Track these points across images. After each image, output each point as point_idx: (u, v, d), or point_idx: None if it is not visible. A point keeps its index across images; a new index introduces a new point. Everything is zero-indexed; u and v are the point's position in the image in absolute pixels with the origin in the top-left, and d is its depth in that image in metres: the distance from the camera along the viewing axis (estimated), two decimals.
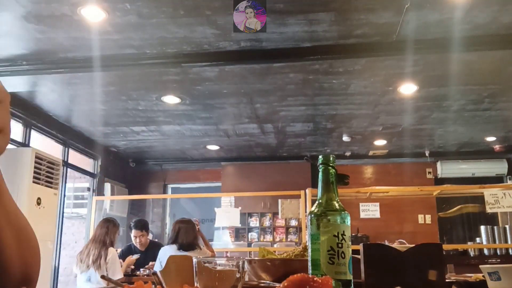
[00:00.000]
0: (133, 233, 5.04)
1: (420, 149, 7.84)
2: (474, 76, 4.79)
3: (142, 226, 5.09)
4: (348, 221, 0.83)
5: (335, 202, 0.84)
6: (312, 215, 0.83)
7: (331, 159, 0.86)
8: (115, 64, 4.34)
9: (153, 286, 0.95)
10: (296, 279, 0.30)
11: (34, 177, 4.88)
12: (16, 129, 5.68)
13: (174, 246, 4.16)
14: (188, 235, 4.20)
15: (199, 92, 5.28)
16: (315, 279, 0.29)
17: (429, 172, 8.47)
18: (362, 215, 5.85)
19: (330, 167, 0.86)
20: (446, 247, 6.57)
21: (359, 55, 4.26)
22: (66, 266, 7.09)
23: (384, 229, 7.80)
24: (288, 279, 0.29)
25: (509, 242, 6.74)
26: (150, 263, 4.77)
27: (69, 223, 7.58)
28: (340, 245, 0.80)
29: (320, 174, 0.86)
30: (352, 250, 0.83)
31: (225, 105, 5.78)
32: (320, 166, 0.86)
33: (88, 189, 7.59)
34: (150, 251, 4.92)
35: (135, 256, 4.92)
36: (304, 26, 3.80)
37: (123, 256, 4.94)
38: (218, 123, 6.56)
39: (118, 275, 4.21)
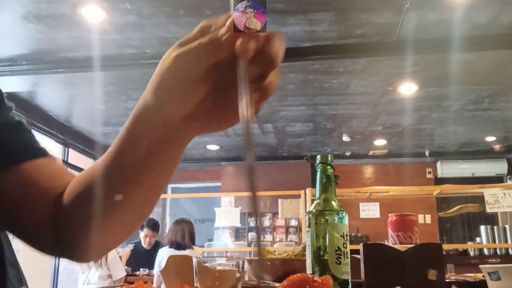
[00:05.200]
0: (144, 231, 5.03)
1: (420, 149, 7.84)
2: (474, 76, 4.79)
3: (154, 225, 5.10)
4: (346, 220, 0.83)
5: (333, 202, 0.84)
6: (310, 215, 0.83)
7: (329, 159, 0.86)
8: (115, 64, 4.34)
9: (153, 286, 0.96)
10: (296, 279, 0.29)
11: None
12: None
13: (167, 246, 4.23)
14: (177, 234, 4.22)
15: None
16: (315, 278, 0.29)
17: (429, 172, 8.47)
18: (362, 215, 5.84)
19: (328, 167, 0.86)
20: (446, 247, 6.57)
21: (359, 55, 4.26)
22: (66, 266, 7.09)
23: (384, 229, 7.77)
24: (287, 278, 0.29)
25: (509, 242, 6.74)
26: None
27: None
28: (345, 245, 0.80)
29: (318, 174, 0.86)
30: (352, 250, 0.83)
31: None
32: (318, 166, 0.86)
33: None
34: (157, 251, 4.92)
35: (129, 248, 4.93)
36: (304, 26, 3.80)
37: (134, 256, 4.98)
38: None
39: (120, 273, 4.23)
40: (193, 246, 4.32)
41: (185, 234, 4.25)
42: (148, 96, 0.54)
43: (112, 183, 0.56)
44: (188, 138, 0.56)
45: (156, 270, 4.18)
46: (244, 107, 0.45)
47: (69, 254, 0.65)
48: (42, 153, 0.67)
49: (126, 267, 4.85)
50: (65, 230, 0.61)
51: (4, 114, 0.69)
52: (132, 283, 0.57)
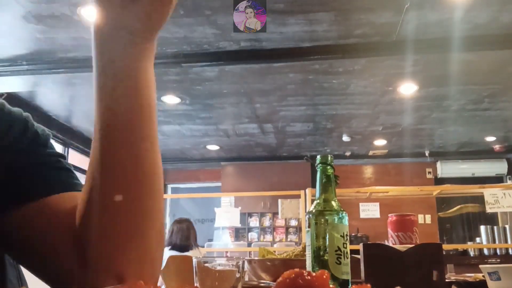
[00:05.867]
0: None
1: (420, 149, 7.84)
2: (474, 76, 4.79)
3: None
4: (346, 220, 0.83)
5: (333, 202, 0.84)
6: (310, 215, 0.83)
7: (329, 159, 0.86)
8: None
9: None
10: (290, 273, 0.29)
11: None
12: None
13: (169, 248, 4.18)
14: (181, 235, 4.17)
15: (199, 92, 5.28)
16: (309, 273, 0.29)
17: (429, 172, 8.48)
18: (362, 215, 5.85)
19: (328, 167, 0.86)
20: (446, 247, 6.57)
21: (359, 55, 4.26)
22: None
23: (384, 229, 7.76)
24: (282, 275, 0.29)
25: (509, 242, 6.74)
26: None
27: None
28: (345, 245, 0.80)
29: (318, 174, 0.86)
30: (352, 250, 0.83)
31: (225, 105, 5.78)
32: (318, 166, 0.86)
33: None
34: None
35: None
36: (304, 26, 3.80)
37: None
38: (218, 123, 6.56)
39: None
40: (198, 247, 4.28)
41: (190, 234, 4.20)
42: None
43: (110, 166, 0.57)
44: (145, 43, 0.57)
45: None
46: None
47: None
48: (76, 187, 0.67)
49: None
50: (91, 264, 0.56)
51: (46, 153, 0.70)
52: None
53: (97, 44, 0.59)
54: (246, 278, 1.28)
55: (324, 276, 0.30)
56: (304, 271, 0.30)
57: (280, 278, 0.29)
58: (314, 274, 0.29)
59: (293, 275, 0.29)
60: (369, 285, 0.35)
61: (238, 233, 8.68)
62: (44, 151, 0.71)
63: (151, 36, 0.57)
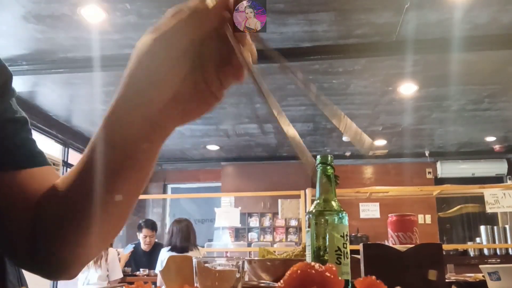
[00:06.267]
0: (143, 232, 5.04)
1: (420, 149, 7.84)
2: (474, 76, 4.79)
3: (152, 225, 5.13)
4: (346, 220, 0.83)
5: (333, 202, 0.84)
6: (310, 215, 0.83)
7: (329, 159, 0.86)
8: (115, 64, 4.33)
9: (153, 286, 0.95)
10: (301, 265, 0.29)
11: None
12: None
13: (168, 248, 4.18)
14: (179, 236, 4.16)
15: None
16: (319, 265, 0.28)
17: (429, 172, 8.47)
18: (362, 215, 5.85)
19: (328, 167, 0.86)
20: (446, 247, 6.57)
21: (359, 55, 4.26)
22: None
23: (384, 229, 7.75)
24: (292, 267, 0.28)
25: (509, 242, 6.74)
26: None
27: None
28: (345, 245, 0.80)
29: (318, 174, 0.86)
30: (352, 250, 0.83)
31: (225, 105, 5.78)
32: (318, 166, 0.86)
33: None
34: (155, 252, 4.91)
35: (128, 250, 4.93)
36: (304, 26, 3.80)
37: (133, 258, 4.99)
38: (218, 123, 6.56)
39: (118, 274, 4.22)
40: (198, 248, 4.27)
41: (190, 236, 4.20)
42: (124, 89, 0.54)
43: (88, 188, 0.54)
44: (167, 131, 0.56)
45: (158, 270, 4.16)
46: (244, 58, 0.50)
47: (44, 265, 0.62)
48: (40, 161, 0.67)
49: (125, 268, 4.85)
50: (43, 236, 0.59)
51: (9, 102, 0.67)
52: (132, 283, 0.57)
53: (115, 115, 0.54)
54: (246, 278, 1.28)
55: (334, 268, 0.31)
56: (314, 263, 0.29)
57: (289, 271, 0.29)
58: (323, 266, 0.29)
59: (304, 266, 0.29)
60: (373, 277, 0.35)
61: (238, 233, 8.68)
62: (9, 99, 0.67)
63: (173, 127, 0.56)
